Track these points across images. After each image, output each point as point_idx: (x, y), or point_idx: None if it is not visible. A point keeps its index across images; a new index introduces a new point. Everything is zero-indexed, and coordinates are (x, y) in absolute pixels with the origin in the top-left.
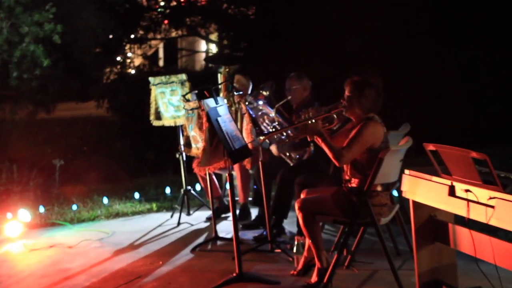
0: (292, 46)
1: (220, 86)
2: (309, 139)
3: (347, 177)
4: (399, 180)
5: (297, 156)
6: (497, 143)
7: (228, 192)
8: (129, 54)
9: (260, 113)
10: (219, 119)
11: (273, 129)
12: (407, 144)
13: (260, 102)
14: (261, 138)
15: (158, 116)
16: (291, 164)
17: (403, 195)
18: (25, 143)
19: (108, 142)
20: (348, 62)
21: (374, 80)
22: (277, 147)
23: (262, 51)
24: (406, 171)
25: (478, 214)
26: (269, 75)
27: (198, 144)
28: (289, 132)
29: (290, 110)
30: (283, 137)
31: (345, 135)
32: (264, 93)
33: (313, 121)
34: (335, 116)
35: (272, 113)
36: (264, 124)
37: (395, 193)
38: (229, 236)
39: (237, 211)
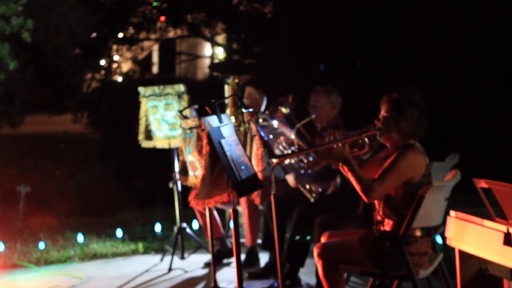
0: (319, 53)
1: (226, 101)
2: (333, 167)
3: (379, 218)
4: (444, 223)
5: (320, 190)
6: None
7: (232, 232)
8: (116, 58)
9: (275, 133)
10: (222, 141)
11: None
12: (454, 179)
13: (275, 122)
14: (274, 161)
15: (149, 136)
16: (311, 200)
17: (448, 242)
18: None
19: (87, 166)
20: (387, 74)
21: (416, 98)
22: (295, 177)
23: (281, 58)
24: (452, 213)
25: None
26: (288, 89)
27: (196, 172)
28: (310, 158)
29: (313, 132)
30: (302, 164)
31: (377, 165)
32: (283, 110)
33: (339, 144)
34: (366, 140)
35: (292, 135)
36: (280, 148)
37: (438, 239)
38: (231, 286)
39: (243, 256)
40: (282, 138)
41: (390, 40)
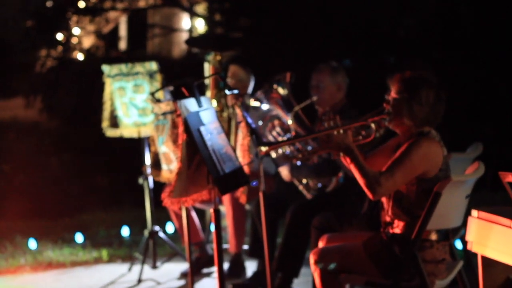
0: (319, 25)
1: (206, 81)
2: (333, 157)
3: (388, 219)
4: (464, 225)
5: (319, 186)
6: None
7: (213, 236)
8: (76, 31)
9: (266, 117)
10: (202, 129)
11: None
12: (476, 173)
13: (266, 106)
14: (262, 149)
15: (115, 123)
16: (308, 197)
17: (469, 247)
18: None
19: (40, 159)
20: (400, 51)
21: (432, 78)
22: (290, 170)
23: (272, 31)
24: (474, 213)
25: None
26: (282, 67)
27: (171, 165)
28: (308, 147)
29: (313, 117)
30: (295, 153)
31: (386, 155)
32: (280, 90)
33: (341, 131)
34: (373, 126)
35: (289, 119)
36: (274, 134)
37: (457, 244)
38: None
39: (226, 265)
40: (276, 122)
41: (403, 10)
